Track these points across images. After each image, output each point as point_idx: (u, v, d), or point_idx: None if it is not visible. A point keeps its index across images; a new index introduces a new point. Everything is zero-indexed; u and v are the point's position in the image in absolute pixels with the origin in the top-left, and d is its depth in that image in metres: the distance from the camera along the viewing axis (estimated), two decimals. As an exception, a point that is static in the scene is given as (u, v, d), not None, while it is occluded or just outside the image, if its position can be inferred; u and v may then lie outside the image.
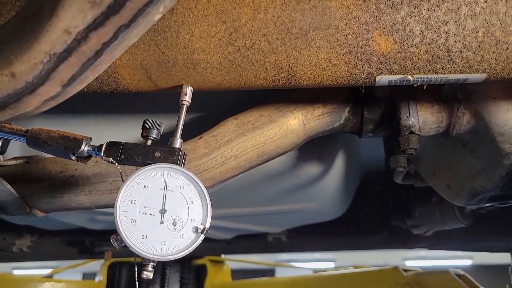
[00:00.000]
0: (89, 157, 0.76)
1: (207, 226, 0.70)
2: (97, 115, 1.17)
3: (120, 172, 0.75)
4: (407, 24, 0.67)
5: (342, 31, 0.68)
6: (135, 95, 0.87)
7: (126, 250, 0.69)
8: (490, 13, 0.65)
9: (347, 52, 0.70)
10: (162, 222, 0.69)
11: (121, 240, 0.68)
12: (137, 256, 0.69)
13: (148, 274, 0.70)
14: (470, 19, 0.66)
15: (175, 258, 0.68)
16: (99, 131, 1.17)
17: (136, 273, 0.73)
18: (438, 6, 0.65)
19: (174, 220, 0.70)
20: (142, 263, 0.71)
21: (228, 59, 0.74)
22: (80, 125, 1.17)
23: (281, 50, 0.71)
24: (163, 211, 0.70)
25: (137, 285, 0.75)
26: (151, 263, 0.70)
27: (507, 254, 2.02)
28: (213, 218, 1.89)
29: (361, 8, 0.67)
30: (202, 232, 0.70)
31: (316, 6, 0.68)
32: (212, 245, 2.12)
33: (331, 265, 9.05)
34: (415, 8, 0.66)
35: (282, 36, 0.70)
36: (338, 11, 0.68)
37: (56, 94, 0.56)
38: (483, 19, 0.65)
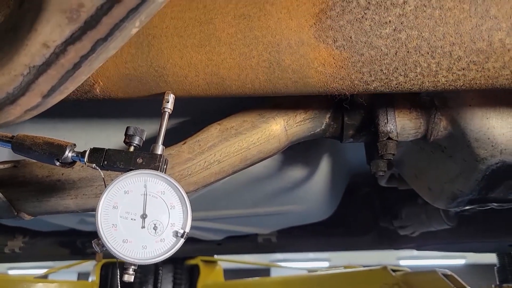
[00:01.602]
0: (73, 163, 0.78)
1: (187, 230, 0.72)
2: (85, 119, 1.18)
3: (103, 178, 0.77)
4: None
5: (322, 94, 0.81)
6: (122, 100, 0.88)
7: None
8: None
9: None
10: (143, 227, 0.71)
11: (102, 245, 0.70)
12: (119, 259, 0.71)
13: (129, 277, 0.72)
14: None
15: (155, 262, 0.70)
16: (87, 136, 1.19)
17: (118, 275, 0.74)
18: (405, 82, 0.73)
19: (155, 224, 0.72)
20: (124, 266, 0.73)
21: None
22: (68, 130, 1.19)
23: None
24: (144, 216, 0.72)
25: (119, 286, 0.77)
26: (132, 267, 0.72)
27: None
28: (203, 219, 1.89)
29: (337, 82, 0.75)
30: (182, 236, 0.71)
31: (297, 82, 0.76)
32: (203, 246, 2.14)
33: (325, 264, 9.09)
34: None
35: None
36: (318, 85, 0.76)
37: (37, 105, 0.58)
38: None
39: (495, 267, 2.02)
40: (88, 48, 0.54)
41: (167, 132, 0.80)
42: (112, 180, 0.72)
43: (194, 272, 2.67)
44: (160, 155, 0.76)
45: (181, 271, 2.69)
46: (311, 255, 8.97)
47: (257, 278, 2.61)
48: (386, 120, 0.92)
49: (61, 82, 0.56)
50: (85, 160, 0.76)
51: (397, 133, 0.92)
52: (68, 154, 0.76)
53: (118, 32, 0.54)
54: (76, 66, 0.55)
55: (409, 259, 9.24)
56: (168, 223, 0.72)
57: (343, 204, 1.87)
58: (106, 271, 2.56)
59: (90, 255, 2.30)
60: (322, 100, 0.99)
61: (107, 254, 2.38)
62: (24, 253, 2.19)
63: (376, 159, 1.01)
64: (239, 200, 1.55)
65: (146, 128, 0.85)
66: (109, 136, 1.18)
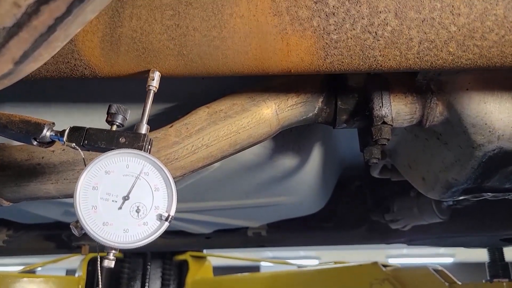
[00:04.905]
0: (51, 142, 0.74)
1: (172, 213, 0.68)
2: (68, 104, 1.14)
3: (83, 158, 0.73)
4: None
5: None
6: (107, 82, 0.84)
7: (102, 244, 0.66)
8: None
9: None
10: (122, 209, 0.67)
11: (81, 228, 0.66)
12: (100, 246, 0.67)
13: (109, 263, 0.67)
14: None
15: (137, 246, 0.66)
16: (70, 120, 1.14)
17: (98, 267, 0.70)
18: None
19: (137, 207, 0.68)
20: (105, 252, 0.69)
21: None
22: (50, 114, 1.14)
23: None
24: (126, 198, 0.68)
25: (100, 277, 0.73)
26: (113, 251, 0.68)
27: (486, 252, 2.04)
28: (191, 211, 1.84)
29: None
30: (166, 220, 0.68)
31: None
32: (192, 240, 2.10)
33: (315, 262, 9.09)
34: None
35: None
36: None
37: (8, 72, 0.54)
38: None
39: (486, 263, 2.00)
40: (63, 10, 0.49)
41: (154, 117, 0.77)
42: (93, 159, 0.68)
43: (183, 268, 2.64)
44: (144, 134, 0.72)
45: (170, 266, 2.65)
46: (300, 253, 8.96)
47: (246, 274, 2.58)
48: (381, 104, 0.89)
49: (34, 47, 0.52)
50: (64, 139, 0.72)
51: (392, 117, 0.89)
52: (46, 133, 0.72)
53: (97, -8, 0.50)
54: (51, 29, 0.51)
55: (398, 258, 9.27)
56: (151, 206, 0.68)
57: (334, 198, 1.85)
58: (93, 266, 2.51)
59: (76, 249, 2.25)
60: (314, 84, 0.95)
61: (94, 248, 2.32)
62: (8, 246, 2.14)
63: (369, 146, 0.98)
64: (228, 191, 1.51)
65: (133, 113, 0.81)
66: (94, 120, 1.13)
